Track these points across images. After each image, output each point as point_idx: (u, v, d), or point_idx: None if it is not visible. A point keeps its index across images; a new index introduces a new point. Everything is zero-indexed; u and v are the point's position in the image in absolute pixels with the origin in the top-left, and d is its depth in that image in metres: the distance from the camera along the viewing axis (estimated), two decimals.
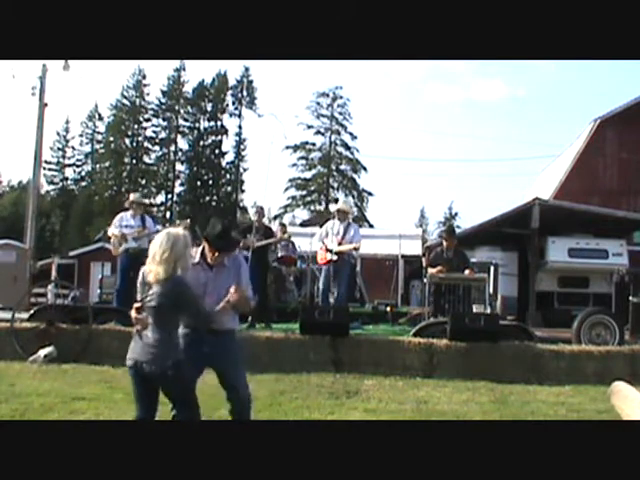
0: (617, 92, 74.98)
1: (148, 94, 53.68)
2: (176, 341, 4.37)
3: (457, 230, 14.02)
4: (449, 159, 78.80)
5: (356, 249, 10.14)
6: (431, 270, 10.23)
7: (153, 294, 4.26)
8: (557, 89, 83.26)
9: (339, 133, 53.47)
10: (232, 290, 4.45)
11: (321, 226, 10.83)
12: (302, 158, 53.69)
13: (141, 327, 4.33)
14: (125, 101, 53.42)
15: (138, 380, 4.40)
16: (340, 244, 10.02)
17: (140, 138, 53.74)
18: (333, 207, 10.77)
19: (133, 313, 4.34)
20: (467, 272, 10.04)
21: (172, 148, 54.23)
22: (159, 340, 4.27)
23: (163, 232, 4.37)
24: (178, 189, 54.45)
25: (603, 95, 76.91)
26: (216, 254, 4.59)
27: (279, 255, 12.26)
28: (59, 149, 54.53)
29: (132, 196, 10.74)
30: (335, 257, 10.01)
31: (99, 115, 54.82)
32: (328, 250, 10.05)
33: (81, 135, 55.04)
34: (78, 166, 55.43)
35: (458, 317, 9.00)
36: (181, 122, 54.09)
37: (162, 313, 4.26)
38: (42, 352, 8.87)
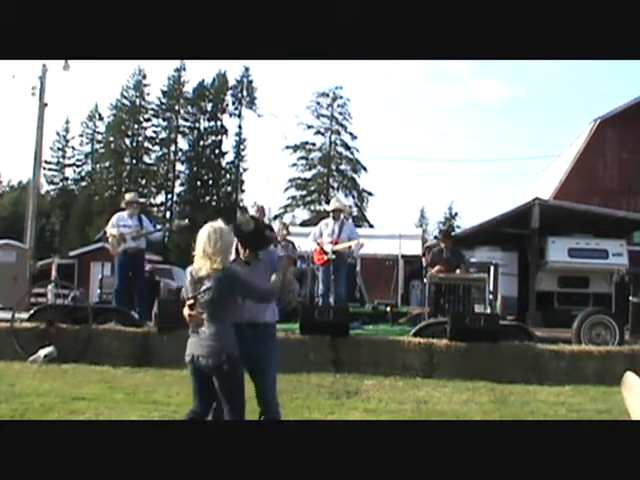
0: (617, 92, 74.97)
1: (148, 94, 53.63)
2: (232, 335, 4.33)
3: (457, 230, 14.03)
4: (449, 159, 78.75)
5: (361, 245, 10.14)
6: (431, 270, 10.24)
7: (207, 288, 4.28)
8: (557, 89, 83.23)
9: (339, 133, 53.44)
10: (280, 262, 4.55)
11: (315, 225, 10.85)
12: (302, 158, 53.66)
13: (196, 324, 4.35)
14: (125, 101, 53.35)
15: (196, 375, 4.40)
16: (336, 243, 10.02)
17: (140, 138, 53.69)
18: (330, 206, 10.76)
19: (186, 311, 4.37)
20: (458, 271, 10.06)
21: (172, 148, 54.16)
22: (215, 334, 4.29)
23: (206, 226, 4.39)
24: (178, 189, 54.42)
25: (603, 95, 76.88)
26: (248, 251, 4.61)
27: (279, 255, 12.24)
28: (59, 149, 54.48)
29: (127, 196, 10.72)
30: (333, 256, 10.01)
31: (99, 115, 54.80)
32: (324, 251, 10.04)
33: (81, 135, 55.03)
34: (78, 166, 55.39)
35: (458, 317, 9.01)
36: (181, 122, 54.04)
37: (217, 306, 4.29)
38: (42, 352, 8.87)
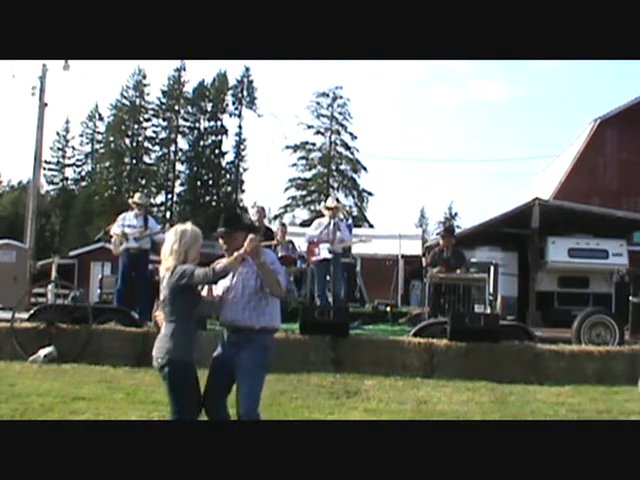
0: (617, 92, 74.95)
1: (148, 94, 53.67)
2: (182, 337, 4.21)
3: (457, 230, 14.02)
4: (449, 159, 78.87)
5: (365, 241, 10.15)
6: (431, 270, 10.24)
7: (162, 288, 4.30)
8: (557, 89, 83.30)
9: (339, 133, 53.43)
10: (247, 240, 4.19)
11: (309, 225, 10.87)
12: (302, 158, 53.66)
13: (159, 324, 4.39)
14: (125, 101, 53.38)
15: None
16: (332, 243, 10.03)
17: (140, 138, 53.71)
18: (328, 202, 10.76)
19: (156, 312, 4.44)
20: (458, 271, 10.06)
21: (172, 148, 54.20)
22: (165, 335, 4.28)
23: (171, 229, 4.42)
24: (178, 189, 54.48)
25: (603, 95, 76.93)
26: (226, 245, 4.41)
27: (279, 255, 12.25)
28: (59, 149, 54.50)
29: (136, 196, 10.75)
30: (330, 255, 10.01)
31: (99, 115, 54.84)
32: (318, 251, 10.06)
33: (81, 135, 55.07)
34: (78, 166, 55.42)
35: (458, 317, 9.00)
36: (181, 122, 54.06)
37: (169, 306, 4.28)
38: (42, 352, 8.86)
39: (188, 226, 4.40)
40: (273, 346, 4.53)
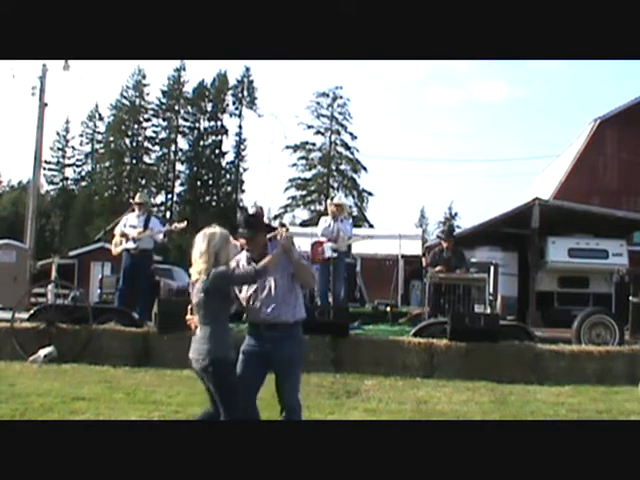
0: (617, 92, 74.95)
1: (148, 94, 53.69)
2: (220, 338, 4.30)
3: (457, 230, 14.02)
4: (449, 159, 78.89)
5: (370, 237, 10.16)
6: (431, 270, 10.24)
7: (196, 291, 4.35)
8: (557, 89, 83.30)
9: (339, 133, 53.43)
10: (281, 237, 4.37)
11: (316, 225, 10.87)
12: (302, 158, 53.66)
13: (193, 328, 4.43)
14: (125, 101, 53.39)
15: (199, 377, 4.45)
16: (336, 241, 10.05)
17: (140, 138, 53.71)
18: (335, 200, 10.78)
19: (188, 316, 4.46)
20: (458, 271, 10.07)
21: (172, 148, 54.20)
22: (203, 336, 4.33)
23: (200, 233, 4.45)
24: (178, 189, 54.48)
25: (603, 95, 76.92)
26: (249, 246, 4.53)
27: None
28: (59, 149, 54.50)
29: (137, 197, 10.75)
30: (334, 255, 10.02)
31: (99, 115, 54.84)
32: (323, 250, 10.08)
33: (81, 135, 55.07)
34: (78, 166, 55.43)
35: (458, 317, 9.00)
36: (181, 122, 54.06)
37: (205, 308, 4.32)
38: (42, 352, 8.86)
39: (217, 229, 4.44)
40: (303, 336, 4.70)
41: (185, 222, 10.66)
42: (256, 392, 4.55)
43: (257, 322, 4.53)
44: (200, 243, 4.35)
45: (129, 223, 10.25)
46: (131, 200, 10.77)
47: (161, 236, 10.39)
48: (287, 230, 12.30)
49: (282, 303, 4.47)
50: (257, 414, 4.52)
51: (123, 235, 10.12)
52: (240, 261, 4.62)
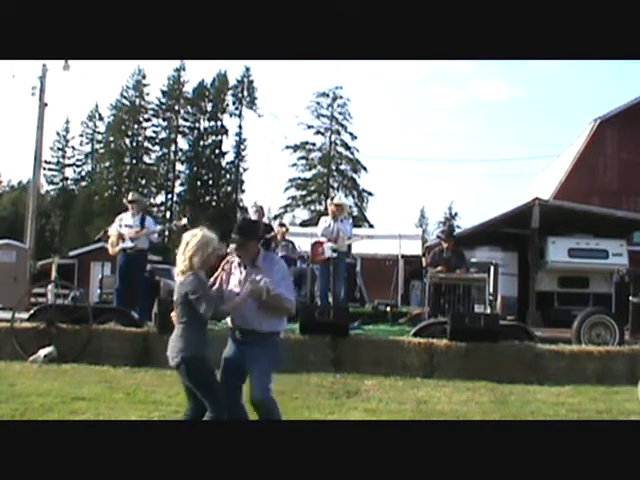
0: (617, 92, 74.94)
1: (148, 94, 53.69)
2: (193, 336, 4.38)
3: (457, 230, 14.02)
4: (449, 159, 78.87)
5: (370, 237, 10.16)
6: (431, 270, 10.24)
7: (175, 289, 4.47)
8: (557, 89, 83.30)
9: (339, 133, 53.43)
10: (248, 283, 4.40)
11: (316, 225, 10.88)
12: (302, 158, 53.66)
13: (174, 323, 4.54)
14: (125, 101, 53.39)
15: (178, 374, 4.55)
16: (336, 241, 10.05)
17: (140, 138, 53.71)
18: (335, 199, 10.80)
19: (173, 313, 4.55)
20: (458, 271, 10.07)
21: (172, 148, 54.20)
22: (177, 334, 4.44)
23: (185, 233, 4.56)
24: (178, 189, 54.47)
25: (603, 95, 76.92)
26: (240, 252, 4.56)
27: (279, 255, 12.27)
28: (59, 149, 54.50)
29: (130, 195, 10.75)
30: (334, 254, 10.03)
31: (99, 115, 54.84)
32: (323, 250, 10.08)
33: (81, 135, 55.07)
34: (78, 166, 55.43)
35: (458, 317, 9.00)
36: (181, 122, 54.06)
37: (180, 307, 4.43)
38: (42, 352, 8.86)
39: (199, 231, 4.50)
40: (281, 346, 4.71)
41: (185, 219, 10.65)
42: (239, 393, 4.58)
43: (233, 328, 4.63)
44: (183, 242, 4.46)
45: (125, 223, 10.24)
46: (124, 200, 10.76)
47: (156, 235, 10.38)
48: (287, 230, 12.38)
49: (255, 312, 4.50)
50: (245, 414, 4.54)
51: (120, 235, 10.11)
52: (233, 264, 4.65)
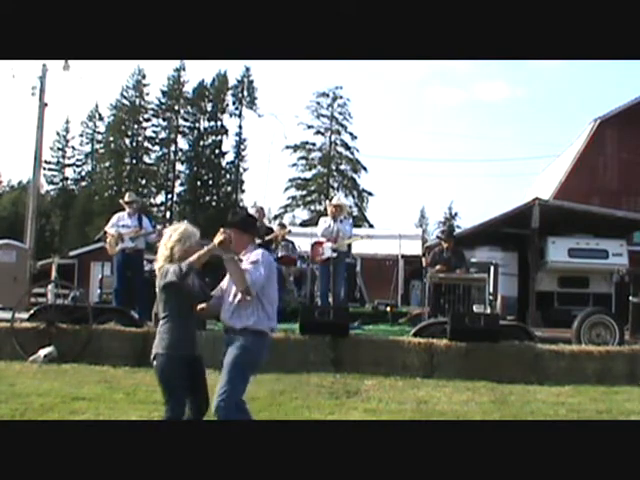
0: (617, 92, 74.89)
1: (148, 94, 53.67)
2: (167, 334, 4.40)
3: (457, 230, 14.02)
4: (449, 159, 78.83)
5: (370, 236, 10.16)
6: (431, 270, 10.24)
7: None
8: (557, 89, 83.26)
9: (339, 133, 53.40)
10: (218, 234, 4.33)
11: (316, 225, 10.89)
12: (302, 158, 53.64)
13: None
14: (125, 101, 53.38)
15: None
16: (336, 242, 10.06)
17: (140, 138, 53.69)
18: (334, 200, 10.80)
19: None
20: (458, 271, 10.07)
21: (172, 148, 54.18)
22: (157, 332, 4.50)
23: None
24: (178, 189, 54.44)
25: (603, 95, 76.87)
26: (232, 239, 4.50)
27: (279, 255, 12.26)
28: (59, 149, 54.46)
29: (126, 196, 10.74)
30: (334, 254, 10.03)
31: (99, 115, 54.81)
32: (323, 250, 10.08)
33: (81, 135, 55.02)
34: (78, 166, 55.38)
35: (458, 317, 9.00)
36: (181, 122, 54.04)
37: (160, 303, 4.47)
38: (42, 352, 8.86)
39: (180, 225, 4.58)
40: (255, 348, 4.51)
41: (185, 221, 10.65)
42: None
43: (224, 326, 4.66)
44: (164, 236, 4.54)
45: (122, 223, 10.23)
46: (120, 200, 10.76)
47: (154, 236, 10.39)
48: (289, 232, 12.37)
49: (236, 309, 4.49)
50: (247, 413, 4.50)
51: (119, 235, 10.11)
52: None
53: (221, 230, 4.37)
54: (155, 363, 4.42)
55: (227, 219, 4.63)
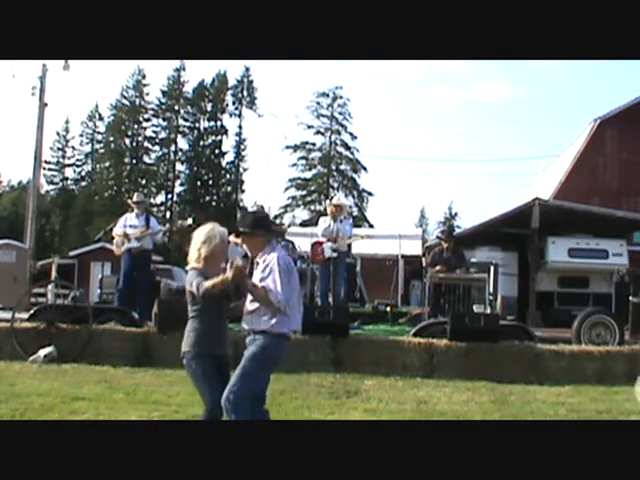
0: (617, 92, 74.89)
1: (148, 94, 53.65)
2: (193, 332, 4.46)
3: (457, 230, 14.01)
4: (449, 159, 78.82)
5: (370, 236, 10.15)
6: (431, 270, 10.24)
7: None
8: (557, 89, 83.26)
9: (339, 133, 53.40)
10: (230, 267, 4.33)
11: (316, 225, 10.89)
12: (302, 158, 53.64)
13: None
14: (125, 101, 53.37)
15: None
16: (336, 242, 10.06)
17: (140, 138, 53.67)
18: (334, 200, 10.81)
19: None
20: (458, 271, 10.07)
21: (172, 148, 54.18)
22: (186, 330, 4.54)
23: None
24: (178, 189, 54.42)
25: (603, 95, 76.87)
26: (244, 243, 4.64)
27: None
28: (59, 149, 54.45)
29: (135, 196, 10.79)
30: (335, 254, 10.03)
31: (99, 115, 54.80)
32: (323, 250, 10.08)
33: (81, 135, 55.02)
34: (78, 166, 55.38)
35: (458, 317, 9.00)
36: (181, 122, 54.03)
37: (189, 302, 4.51)
38: (42, 352, 8.86)
39: (207, 226, 4.61)
40: (274, 347, 4.52)
41: (190, 220, 10.68)
42: (260, 394, 4.55)
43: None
44: (192, 240, 4.58)
45: (129, 223, 10.27)
46: (128, 200, 10.80)
47: (160, 235, 10.41)
48: (289, 226, 12.33)
49: (252, 313, 4.53)
50: (264, 415, 4.50)
51: (125, 235, 10.13)
52: (236, 259, 4.64)
53: (234, 263, 4.29)
54: (184, 362, 4.50)
55: (237, 223, 4.69)
